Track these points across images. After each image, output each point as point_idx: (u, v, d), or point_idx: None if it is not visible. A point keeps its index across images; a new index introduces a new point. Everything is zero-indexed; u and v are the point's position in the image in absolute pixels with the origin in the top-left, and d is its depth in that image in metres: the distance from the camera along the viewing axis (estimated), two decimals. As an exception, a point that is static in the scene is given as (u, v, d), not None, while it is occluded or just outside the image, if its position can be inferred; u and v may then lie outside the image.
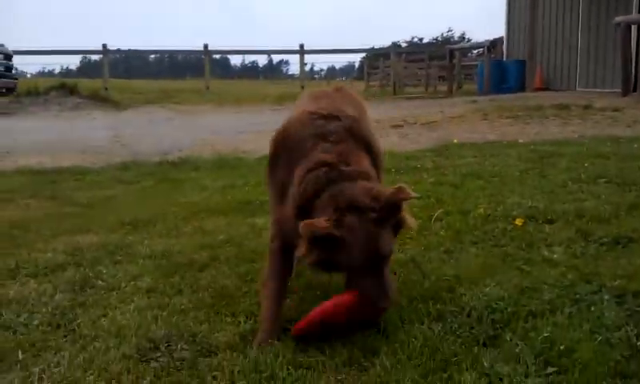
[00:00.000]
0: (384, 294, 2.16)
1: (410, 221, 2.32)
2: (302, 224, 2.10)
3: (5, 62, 15.42)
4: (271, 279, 2.46)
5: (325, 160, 2.27)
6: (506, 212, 3.89)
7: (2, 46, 15.97)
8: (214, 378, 2.01)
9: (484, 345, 2.19)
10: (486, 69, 19.65)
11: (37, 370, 2.08)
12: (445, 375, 1.97)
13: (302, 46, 22.53)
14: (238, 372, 2.03)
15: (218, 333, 2.36)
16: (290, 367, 2.04)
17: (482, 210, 3.92)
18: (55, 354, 2.22)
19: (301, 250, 2.17)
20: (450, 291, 2.66)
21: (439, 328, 2.30)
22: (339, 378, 1.98)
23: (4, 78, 15.23)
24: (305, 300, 2.66)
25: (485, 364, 2.02)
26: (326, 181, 2.23)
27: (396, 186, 2.21)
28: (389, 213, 2.19)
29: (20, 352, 2.22)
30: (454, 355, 2.09)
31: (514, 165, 5.82)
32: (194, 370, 2.07)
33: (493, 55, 21.31)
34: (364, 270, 2.16)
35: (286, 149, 2.44)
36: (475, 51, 26.60)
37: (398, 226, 2.28)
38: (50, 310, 2.60)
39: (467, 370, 2.00)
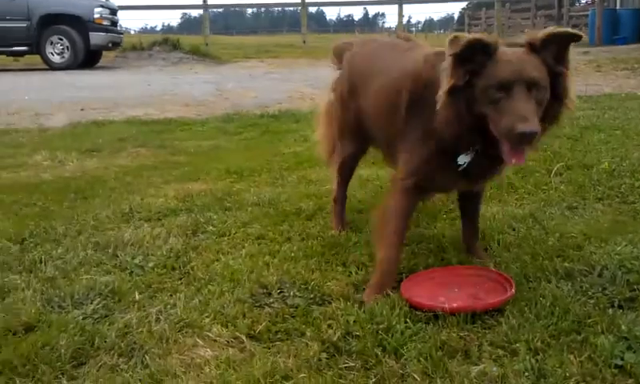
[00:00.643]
0: (525, 119, 1.88)
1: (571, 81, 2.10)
2: (449, 38, 2.01)
3: (111, 16, 15.85)
4: (399, 218, 2.32)
5: None
6: (632, 167, 3.60)
7: (107, 1, 16.47)
8: (330, 326, 1.96)
9: (619, 307, 2.02)
10: (597, 18, 18.31)
11: (154, 310, 2.11)
12: (579, 337, 1.83)
13: (400, -4, 21.90)
14: (354, 322, 1.97)
15: (330, 282, 2.31)
16: (407, 320, 1.95)
17: (606, 165, 3.63)
18: (171, 295, 2.24)
19: (444, 81, 2.03)
20: (578, 249, 2.48)
21: (568, 287, 2.14)
22: (462, 334, 1.87)
23: (110, 32, 15.71)
24: (417, 254, 2.55)
25: (622, 327, 1.86)
26: None
27: None
28: (545, 45, 2.02)
29: (137, 293, 2.26)
30: (588, 317, 1.93)
31: (637, 118, 5.38)
32: (308, 318, 2.03)
33: (605, 4, 19.86)
34: (508, 91, 1.93)
35: (426, 91, 2.20)
36: (584, 0, 24.97)
37: (559, 75, 2.05)
38: (164, 252, 2.64)
39: (603, 333, 1.84)
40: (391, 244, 2.28)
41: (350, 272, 2.39)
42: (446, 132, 2.10)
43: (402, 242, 2.36)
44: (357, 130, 2.75)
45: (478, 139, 2.08)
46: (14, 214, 3.30)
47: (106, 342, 1.91)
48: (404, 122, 2.31)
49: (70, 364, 1.81)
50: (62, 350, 1.85)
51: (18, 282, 2.36)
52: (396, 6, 21.96)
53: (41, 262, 2.56)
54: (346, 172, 2.97)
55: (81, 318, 2.07)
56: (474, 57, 1.98)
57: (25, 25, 14.44)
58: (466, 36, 1.99)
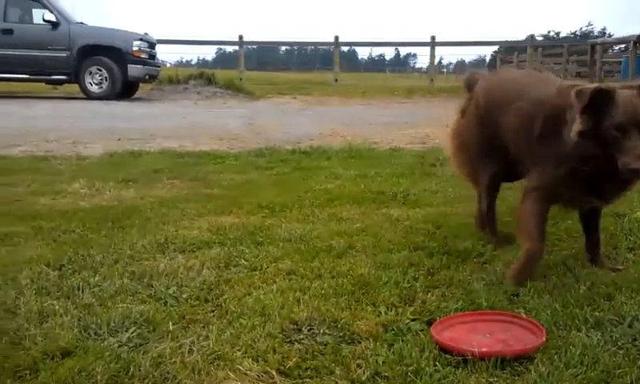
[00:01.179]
0: (638, 158, 2.29)
1: None
2: (574, 91, 2.43)
3: (149, 50, 16.28)
4: (536, 217, 2.73)
5: None
6: (666, 218, 3.57)
7: (146, 34, 16.90)
8: (358, 366, 1.98)
9: (649, 359, 2.01)
10: (631, 65, 18.20)
11: (187, 341, 2.15)
12: (608, 388, 1.82)
13: (433, 37, 22.11)
14: (383, 362, 1.99)
15: (359, 320, 2.32)
16: (437, 363, 1.97)
17: (638, 214, 3.62)
18: (203, 327, 2.28)
19: (574, 126, 2.44)
20: (608, 298, 2.47)
21: (598, 337, 2.13)
22: (491, 380, 1.88)
23: (148, 65, 16.12)
24: (447, 297, 2.57)
25: (652, 380, 1.85)
26: None
27: None
28: None
29: (171, 323, 2.30)
30: (617, 367, 1.93)
31: (671, 168, 5.33)
32: (337, 356, 2.05)
33: (639, 51, 19.73)
34: (624, 132, 2.33)
35: (558, 118, 2.59)
36: (617, 47, 24.87)
37: None
38: (197, 284, 2.69)
39: (632, 384, 1.84)
40: (533, 237, 2.70)
41: (380, 312, 2.41)
42: (578, 163, 2.51)
43: (543, 236, 2.77)
44: (495, 148, 3.10)
45: (608, 169, 2.43)
46: (53, 241, 3.40)
47: (140, 370, 1.95)
48: (539, 141, 2.72)
49: (106, 390, 1.86)
50: (98, 377, 1.90)
51: (57, 307, 2.42)
52: (428, 48, 22.16)
53: (78, 289, 2.64)
54: (491, 189, 3.30)
55: (116, 345, 2.12)
56: (596, 103, 2.38)
57: (65, 54, 14.92)
58: (589, 88, 2.40)
